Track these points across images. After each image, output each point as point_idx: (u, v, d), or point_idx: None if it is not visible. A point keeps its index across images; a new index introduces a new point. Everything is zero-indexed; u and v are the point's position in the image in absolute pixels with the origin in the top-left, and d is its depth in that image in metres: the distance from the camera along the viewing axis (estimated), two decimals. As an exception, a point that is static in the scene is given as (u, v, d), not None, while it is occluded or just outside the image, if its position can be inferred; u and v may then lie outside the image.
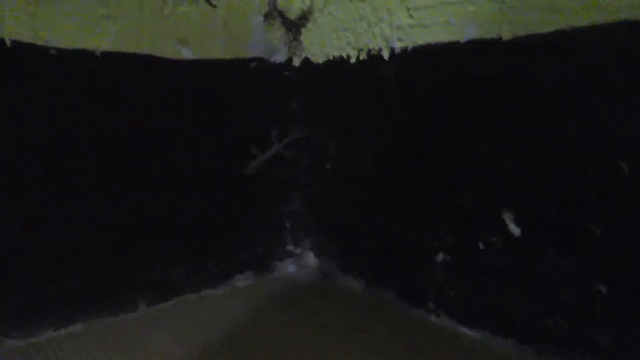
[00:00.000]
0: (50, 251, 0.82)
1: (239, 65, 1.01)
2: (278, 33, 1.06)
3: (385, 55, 0.95)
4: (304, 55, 1.10)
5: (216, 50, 0.96)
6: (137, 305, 0.94)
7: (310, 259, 1.18)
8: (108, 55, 0.81)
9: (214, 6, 0.85)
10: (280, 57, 1.07)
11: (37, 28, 0.73)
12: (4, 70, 0.73)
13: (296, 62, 1.10)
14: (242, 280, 1.10)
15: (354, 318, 0.93)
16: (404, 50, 0.92)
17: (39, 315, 0.82)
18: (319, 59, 1.08)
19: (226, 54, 0.98)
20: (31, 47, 0.74)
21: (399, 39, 0.93)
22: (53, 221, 0.82)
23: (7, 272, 0.78)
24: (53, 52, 0.75)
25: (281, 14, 1.06)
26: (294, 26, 1.08)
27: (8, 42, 0.72)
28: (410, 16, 0.91)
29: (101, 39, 0.81)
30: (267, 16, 1.03)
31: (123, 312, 0.92)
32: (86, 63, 0.79)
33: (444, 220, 0.91)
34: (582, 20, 0.69)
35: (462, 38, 0.84)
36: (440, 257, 0.92)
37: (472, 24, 0.83)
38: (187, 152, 0.97)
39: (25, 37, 0.73)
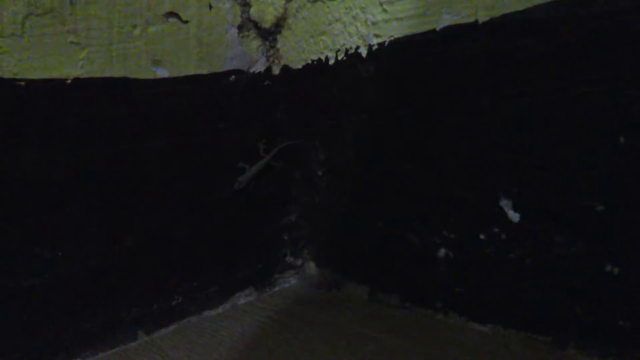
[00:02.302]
0: (43, 293, 0.79)
1: (217, 79, 0.99)
2: (254, 43, 1.05)
3: (364, 52, 0.94)
4: (282, 62, 1.09)
5: (192, 67, 0.95)
6: (136, 334, 0.91)
7: (312, 269, 1.15)
8: (80, 82, 0.80)
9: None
10: (259, 67, 1.06)
11: (3, 62, 0.72)
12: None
13: (275, 70, 1.09)
14: (244, 298, 1.07)
15: (360, 328, 0.89)
16: (381, 45, 0.90)
17: (34, 358, 0.80)
18: (298, 64, 1.06)
19: (203, 70, 0.97)
20: (-2, 80, 0.72)
21: (376, 35, 0.91)
22: (42, 261, 0.79)
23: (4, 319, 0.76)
24: (22, 83, 0.74)
25: (255, 24, 1.04)
26: (270, 35, 1.07)
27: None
28: (385, 11, 0.90)
29: (72, 67, 0.79)
30: (241, 28, 1.02)
31: (122, 343, 0.89)
32: (58, 91, 0.78)
33: (442, 216, 0.88)
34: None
35: (438, 26, 0.82)
36: (443, 253, 0.89)
37: (447, 12, 0.81)
38: (174, 175, 0.95)
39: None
